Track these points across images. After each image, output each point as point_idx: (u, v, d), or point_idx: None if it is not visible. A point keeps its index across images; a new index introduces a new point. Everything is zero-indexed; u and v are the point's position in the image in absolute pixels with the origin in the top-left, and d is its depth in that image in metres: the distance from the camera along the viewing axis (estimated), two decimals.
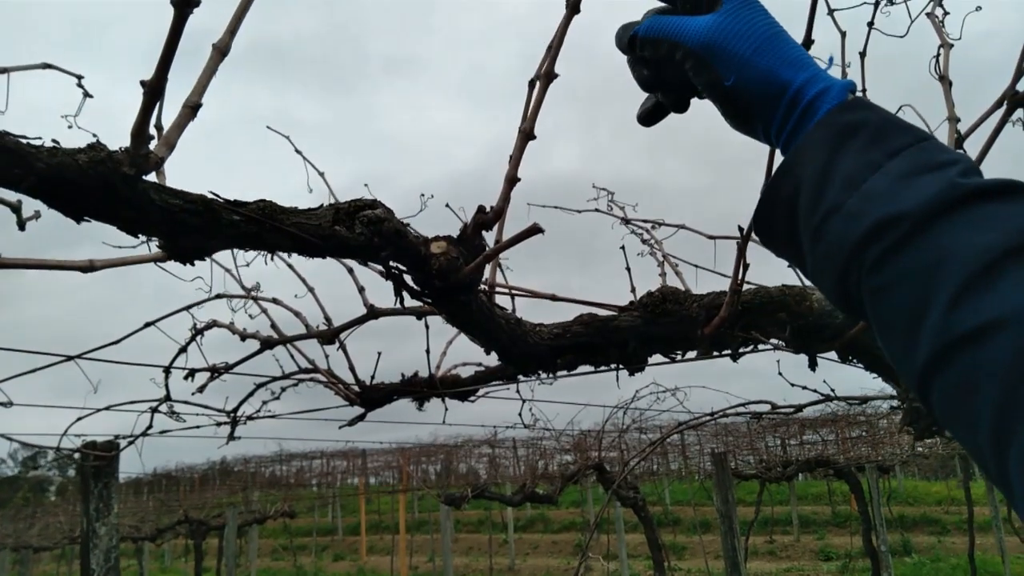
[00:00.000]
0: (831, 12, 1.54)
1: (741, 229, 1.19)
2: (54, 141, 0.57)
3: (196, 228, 0.64)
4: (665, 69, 0.67)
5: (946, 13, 1.56)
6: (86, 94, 1.39)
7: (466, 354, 2.06)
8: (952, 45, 1.45)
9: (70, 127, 1.38)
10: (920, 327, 0.44)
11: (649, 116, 0.72)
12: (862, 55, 1.55)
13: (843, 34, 1.58)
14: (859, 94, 1.63)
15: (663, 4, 0.67)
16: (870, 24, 1.51)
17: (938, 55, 1.44)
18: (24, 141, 0.55)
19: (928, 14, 1.51)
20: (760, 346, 1.41)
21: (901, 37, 1.55)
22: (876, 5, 1.51)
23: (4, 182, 0.54)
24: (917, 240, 0.46)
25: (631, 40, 0.65)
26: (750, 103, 0.60)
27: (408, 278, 0.82)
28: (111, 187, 0.57)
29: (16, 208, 0.75)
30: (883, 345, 0.49)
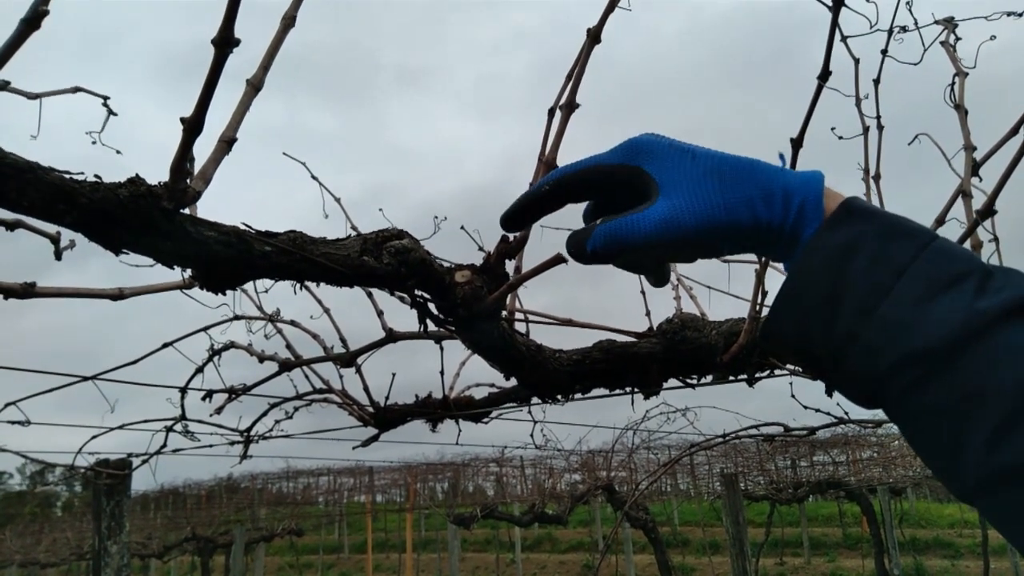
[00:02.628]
0: (844, 39, 1.55)
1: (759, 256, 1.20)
2: (96, 176, 0.59)
3: (229, 259, 0.66)
4: (641, 261, 0.63)
5: (958, 39, 1.57)
6: (111, 112, 1.42)
7: (479, 375, 2.06)
8: (967, 73, 1.46)
9: (94, 143, 1.41)
10: (960, 458, 0.44)
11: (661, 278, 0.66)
12: (876, 82, 1.56)
13: (856, 61, 1.59)
14: (873, 120, 1.62)
15: (591, 201, 0.64)
16: (884, 52, 1.52)
17: (953, 83, 1.45)
18: (68, 176, 0.56)
19: (942, 42, 1.52)
20: (777, 371, 1.41)
21: (915, 64, 1.56)
22: (890, 32, 1.52)
23: (48, 216, 0.56)
24: (946, 376, 0.45)
25: (592, 255, 0.58)
26: (745, 249, 0.58)
27: (432, 306, 0.84)
28: (150, 221, 0.59)
29: (55, 239, 0.76)
30: (921, 458, 0.49)
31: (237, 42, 0.58)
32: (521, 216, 0.65)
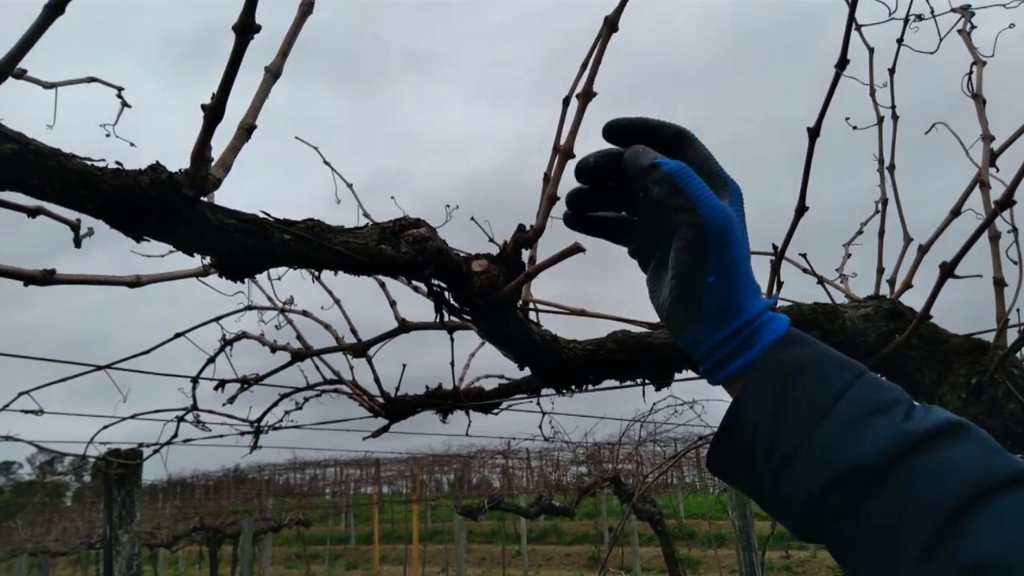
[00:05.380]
0: (859, 28, 1.53)
1: (775, 247, 1.19)
2: (118, 163, 0.58)
3: (249, 247, 0.66)
4: (643, 209, 0.65)
5: (974, 27, 1.56)
6: (124, 104, 1.42)
7: (488, 366, 2.06)
8: (985, 62, 1.45)
9: (107, 135, 1.41)
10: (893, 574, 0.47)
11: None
12: (891, 71, 1.54)
13: (871, 50, 1.57)
14: (887, 110, 1.61)
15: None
16: (899, 41, 1.51)
17: (970, 72, 1.44)
18: (89, 163, 0.56)
19: (959, 31, 1.50)
20: None
21: (931, 54, 1.54)
22: (905, 21, 1.50)
23: (70, 203, 0.56)
24: (878, 492, 0.48)
25: (648, 168, 0.57)
26: (706, 308, 0.58)
27: (448, 295, 0.83)
28: (171, 208, 0.59)
29: (75, 226, 0.77)
30: None
31: (258, 28, 0.58)
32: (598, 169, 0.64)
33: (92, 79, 1.19)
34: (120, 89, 1.29)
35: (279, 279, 1.67)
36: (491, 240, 1.72)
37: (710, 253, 0.56)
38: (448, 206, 1.90)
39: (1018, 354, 1.16)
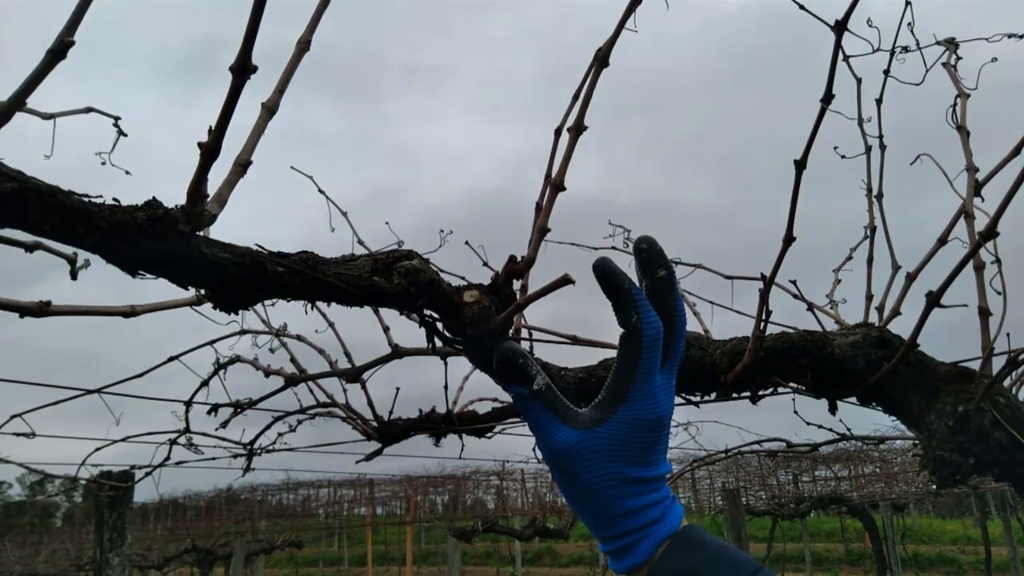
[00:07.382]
0: (846, 59, 1.56)
1: (763, 276, 1.21)
2: (115, 199, 0.60)
3: (243, 280, 0.67)
4: None
5: (959, 59, 1.59)
6: (121, 133, 1.43)
7: (482, 389, 2.07)
8: (968, 95, 1.47)
9: (103, 164, 1.43)
10: None
11: None
12: (878, 102, 1.57)
13: (859, 80, 1.60)
14: (875, 139, 1.63)
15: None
16: (886, 72, 1.54)
17: (955, 105, 1.46)
18: (87, 199, 0.58)
19: (944, 64, 1.53)
20: (780, 389, 1.42)
21: (917, 85, 1.57)
22: (892, 53, 1.53)
23: (68, 239, 0.57)
24: None
25: (512, 390, 0.66)
26: (581, 515, 0.65)
27: (440, 325, 0.84)
28: (167, 243, 0.60)
29: (72, 260, 0.78)
30: None
31: (254, 69, 0.59)
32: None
33: (90, 109, 1.21)
34: (117, 119, 1.31)
35: (272, 304, 1.68)
36: (485, 264, 1.73)
37: (559, 479, 0.63)
38: (442, 231, 1.92)
39: (1004, 382, 1.17)
